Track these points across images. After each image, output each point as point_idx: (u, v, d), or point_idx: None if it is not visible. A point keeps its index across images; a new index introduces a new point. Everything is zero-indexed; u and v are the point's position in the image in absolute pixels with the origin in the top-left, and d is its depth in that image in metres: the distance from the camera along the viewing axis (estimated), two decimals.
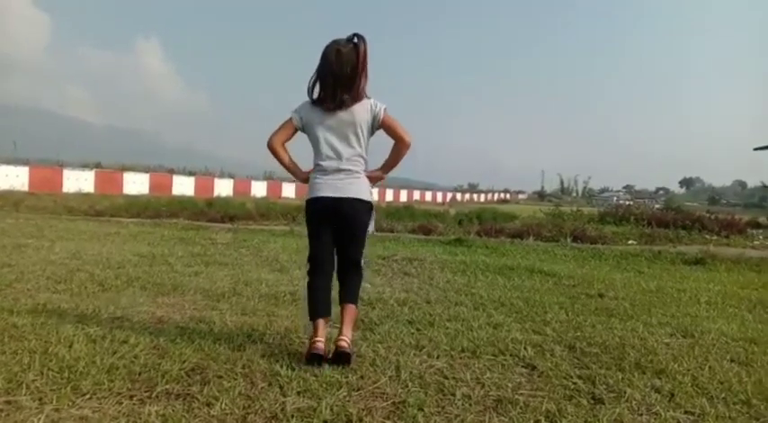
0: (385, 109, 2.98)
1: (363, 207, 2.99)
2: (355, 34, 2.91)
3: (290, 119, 3.00)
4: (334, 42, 2.91)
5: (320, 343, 2.85)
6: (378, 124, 2.99)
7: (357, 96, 2.91)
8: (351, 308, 2.99)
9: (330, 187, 2.93)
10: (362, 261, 3.12)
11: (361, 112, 2.93)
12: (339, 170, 2.94)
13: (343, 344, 2.84)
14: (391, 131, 3.03)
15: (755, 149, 28.52)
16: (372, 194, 3.10)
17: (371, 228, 3.10)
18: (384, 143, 3.09)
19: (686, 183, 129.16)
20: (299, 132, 3.04)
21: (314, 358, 2.81)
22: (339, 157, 2.94)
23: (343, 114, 2.91)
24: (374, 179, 3.10)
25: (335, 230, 3.00)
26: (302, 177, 3.10)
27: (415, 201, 44.99)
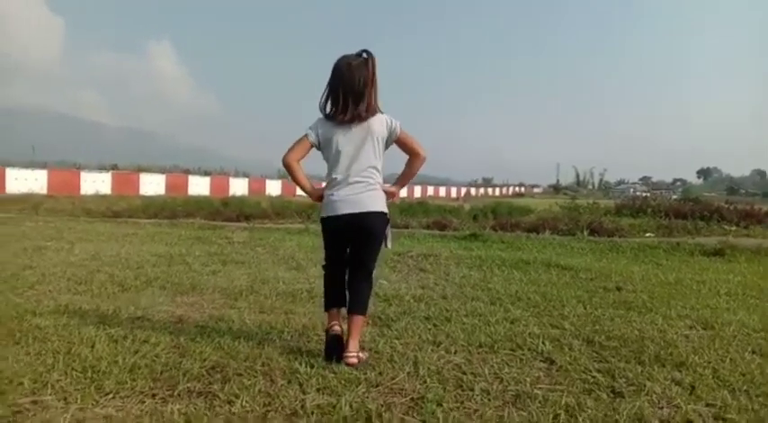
0: (400, 125, 3.00)
1: (381, 219, 2.98)
2: (364, 50, 2.95)
3: (306, 136, 2.98)
4: (344, 57, 2.94)
5: (336, 326, 2.93)
6: (393, 139, 3.01)
7: (370, 109, 2.92)
8: (359, 319, 2.95)
9: (347, 203, 2.91)
10: (374, 271, 3.09)
11: (378, 125, 2.94)
12: (356, 182, 2.92)
13: (352, 361, 2.80)
14: (407, 147, 3.06)
15: None
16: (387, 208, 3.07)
17: (389, 243, 3.09)
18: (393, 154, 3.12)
19: (704, 173, 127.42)
20: (313, 150, 3.03)
21: (333, 341, 2.85)
22: (356, 169, 2.93)
23: (359, 128, 2.92)
24: (389, 195, 3.08)
25: (351, 242, 3.00)
26: (316, 195, 3.09)
27: (429, 196, 44.91)
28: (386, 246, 3.08)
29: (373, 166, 2.97)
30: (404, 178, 3.17)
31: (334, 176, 2.96)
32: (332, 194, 2.96)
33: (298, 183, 3.10)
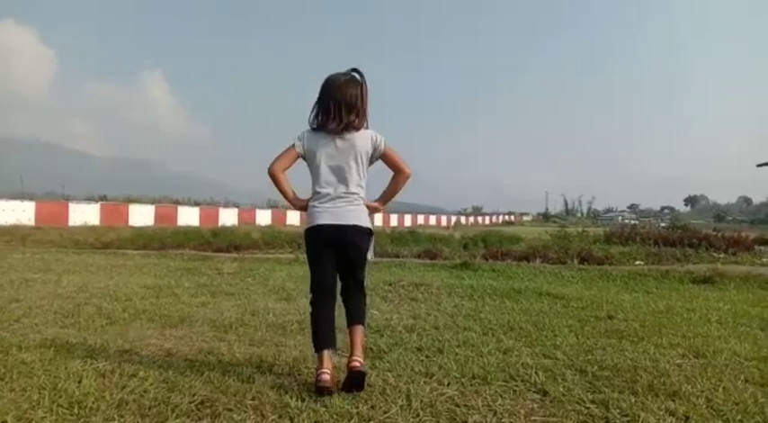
0: (385, 140, 3.03)
1: (363, 233, 3.00)
2: (354, 69, 3.01)
3: (293, 146, 3.02)
4: (335, 74, 3.00)
5: (326, 375, 2.79)
6: (378, 155, 3.03)
7: (359, 121, 2.96)
8: (359, 329, 2.97)
9: (330, 214, 2.94)
10: (365, 281, 3.10)
11: (363, 141, 2.97)
12: (339, 197, 2.95)
13: (357, 364, 2.81)
14: (391, 163, 3.08)
15: (758, 166, 28.54)
16: (372, 222, 3.10)
17: (370, 255, 3.10)
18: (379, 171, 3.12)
19: (691, 201, 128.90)
20: (299, 160, 3.06)
21: (322, 391, 2.77)
22: (339, 184, 2.96)
23: (345, 143, 2.95)
24: (372, 210, 3.11)
25: (337, 257, 3.00)
26: (300, 205, 3.11)
27: (419, 225, 44.96)
28: (368, 258, 3.08)
29: (357, 183, 2.99)
30: (387, 195, 3.19)
31: (317, 190, 2.99)
32: (315, 206, 2.98)
33: (282, 192, 3.10)
